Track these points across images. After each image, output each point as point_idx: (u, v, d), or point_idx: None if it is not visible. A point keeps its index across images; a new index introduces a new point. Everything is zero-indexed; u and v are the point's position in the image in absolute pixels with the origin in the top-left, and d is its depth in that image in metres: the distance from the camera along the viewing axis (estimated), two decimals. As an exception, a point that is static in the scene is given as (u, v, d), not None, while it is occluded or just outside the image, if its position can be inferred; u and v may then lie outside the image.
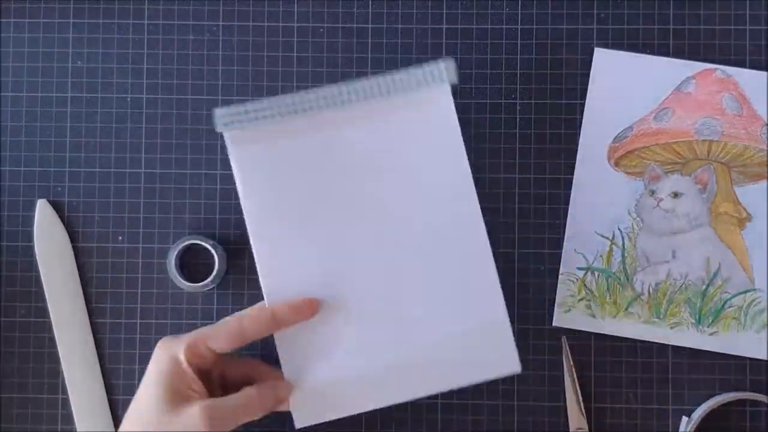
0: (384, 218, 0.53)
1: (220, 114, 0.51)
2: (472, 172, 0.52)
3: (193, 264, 0.58)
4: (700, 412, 0.56)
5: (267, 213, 0.53)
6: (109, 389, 0.58)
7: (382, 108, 0.52)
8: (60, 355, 0.58)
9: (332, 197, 0.53)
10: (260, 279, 0.52)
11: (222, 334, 0.50)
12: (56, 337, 0.58)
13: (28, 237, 0.59)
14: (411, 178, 0.53)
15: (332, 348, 0.53)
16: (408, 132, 0.53)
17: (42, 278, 0.58)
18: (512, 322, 0.57)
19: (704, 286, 0.57)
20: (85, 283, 0.58)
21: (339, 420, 0.57)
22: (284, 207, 0.53)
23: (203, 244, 0.57)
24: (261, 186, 0.53)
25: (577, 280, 0.58)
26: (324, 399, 0.53)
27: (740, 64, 0.58)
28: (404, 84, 0.52)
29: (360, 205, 0.53)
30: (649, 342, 0.57)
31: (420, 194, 0.53)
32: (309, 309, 0.52)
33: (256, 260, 0.52)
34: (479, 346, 0.53)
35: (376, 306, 0.53)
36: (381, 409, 0.57)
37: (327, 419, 0.53)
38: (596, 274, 0.58)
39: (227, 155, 0.58)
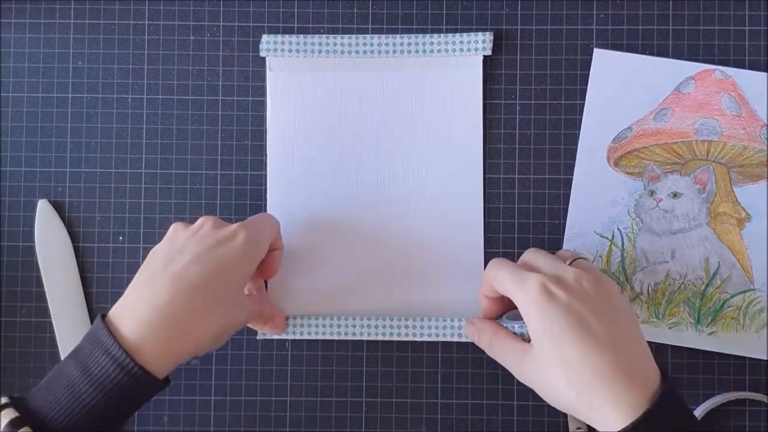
0: (393, 165, 0.58)
1: (265, 40, 0.58)
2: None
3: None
4: (699, 412, 0.56)
5: (286, 139, 0.58)
6: (110, 389, 0.58)
7: (416, 63, 0.58)
8: (61, 355, 0.58)
9: (348, 134, 0.58)
10: (267, 198, 0.58)
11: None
12: (57, 337, 0.58)
13: (29, 237, 0.59)
14: (427, 132, 0.58)
15: (321, 264, 0.58)
16: (434, 88, 0.58)
17: (43, 278, 0.58)
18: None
19: (703, 286, 0.57)
20: (85, 283, 0.59)
21: (338, 419, 0.58)
22: (303, 136, 0.58)
23: None
24: (286, 113, 0.58)
25: (576, 280, 0.58)
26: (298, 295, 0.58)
27: (739, 64, 0.58)
28: (443, 47, 0.57)
29: (373, 147, 0.58)
30: (648, 342, 0.57)
31: (432, 150, 0.58)
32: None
33: (267, 179, 0.58)
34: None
35: (368, 241, 0.58)
36: (381, 409, 0.58)
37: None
38: (596, 274, 0.58)
39: (228, 155, 0.59)
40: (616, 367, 0.44)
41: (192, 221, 0.59)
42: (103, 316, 0.47)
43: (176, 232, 0.51)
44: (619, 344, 0.45)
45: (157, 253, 0.50)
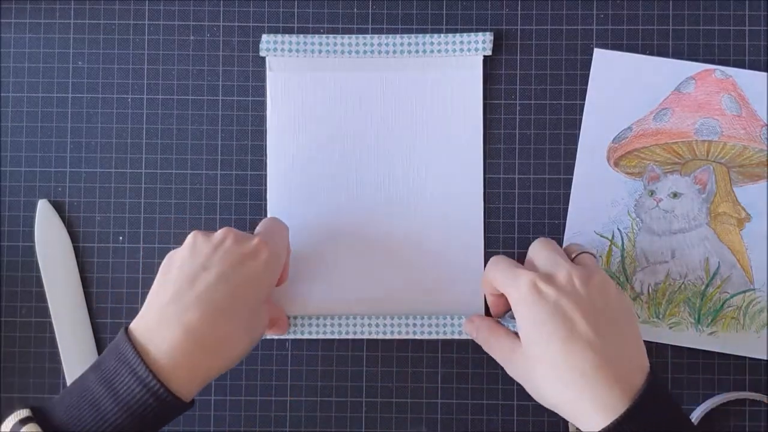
0: (393, 165, 0.58)
1: (265, 40, 0.58)
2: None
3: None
4: (699, 412, 0.56)
5: (286, 139, 0.58)
6: (110, 389, 0.58)
7: (416, 63, 0.58)
8: (61, 355, 0.58)
9: (348, 134, 0.58)
10: (267, 198, 0.58)
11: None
12: (57, 337, 0.58)
13: (29, 237, 0.59)
14: (427, 132, 0.58)
15: (320, 264, 0.58)
16: (434, 88, 0.58)
17: (43, 278, 0.58)
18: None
19: (703, 286, 0.57)
20: (85, 283, 0.59)
21: (338, 419, 0.58)
22: (303, 136, 0.58)
23: None
24: (286, 113, 0.58)
25: (576, 280, 0.58)
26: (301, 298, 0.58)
27: (739, 64, 0.58)
28: (443, 47, 0.57)
29: (373, 147, 0.58)
30: (648, 342, 0.57)
31: (432, 150, 0.58)
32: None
33: (267, 179, 0.58)
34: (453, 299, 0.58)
35: (369, 239, 0.58)
36: (381, 409, 0.58)
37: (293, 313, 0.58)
38: (596, 274, 0.58)
39: (228, 155, 0.59)
40: (599, 367, 0.45)
41: (193, 222, 0.59)
42: (126, 328, 0.47)
43: (197, 242, 0.50)
44: (604, 343, 0.45)
45: (177, 262, 0.49)
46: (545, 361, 0.46)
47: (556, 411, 0.47)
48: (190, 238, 0.50)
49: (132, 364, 0.45)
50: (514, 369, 0.49)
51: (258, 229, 0.53)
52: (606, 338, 0.46)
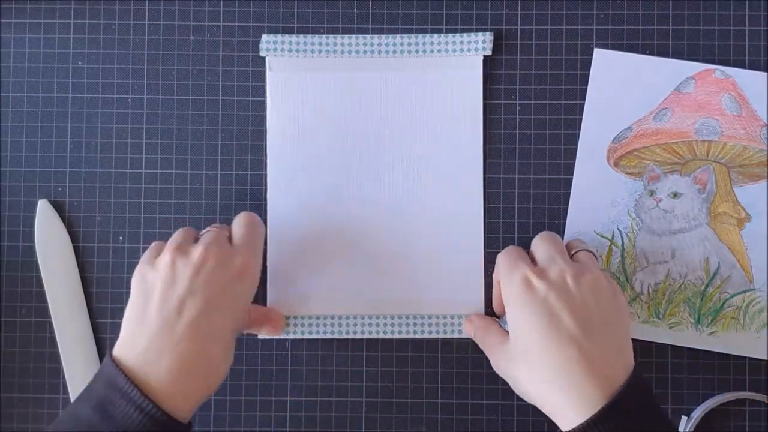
0: (393, 165, 0.58)
1: (265, 40, 0.58)
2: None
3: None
4: (699, 412, 0.56)
5: (286, 139, 0.58)
6: (110, 389, 0.58)
7: (416, 63, 0.58)
8: (61, 355, 0.58)
9: (348, 134, 0.58)
10: (267, 198, 0.58)
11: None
12: (57, 337, 0.58)
13: (29, 237, 0.59)
14: (427, 132, 0.58)
15: (320, 264, 0.58)
16: (434, 88, 0.58)
17: (43, 278, 0.58)
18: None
19: (703, 286, 0.57)
20: (85, 283, 0.59)
21: (338, 419, 0.58)
22: (302, 136, 0.58)
23: None
24: (286, 113, 0.58)
25: (576, 280, 0.58)
26: (299, 298, 0.58)
27: (739, 64, 0.58)
28: (443, 47, 0.57)
29: (373, 147, 0.58)
30: (648, 342, 0.58)
31: (432, 150, 0.58)
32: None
33: (267, 179, 0.58)
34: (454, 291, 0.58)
35: (369, 237, 0.58)
36: (381, 409, 0.58)
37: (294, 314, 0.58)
38: (596, 274, 0.58)
39: (228, 155, 0.59)
40: (581, 364, 0.45)
41: (193, 222, 0.59)
42: (111, 357, 0.46)
43: (176, 266, 0.48)
44: (590, 341, 0.45)
45: (157, 288, 0.48)
46: (530, 355, 0.46)
47: (538, 407, 0.47)
48: (167, 258, 0.48)
49: (132, 397, 0.44)
50: (499, 364, 0.50)
51: (236, 231, 0.52)
52: (592, 336, 0.46)
